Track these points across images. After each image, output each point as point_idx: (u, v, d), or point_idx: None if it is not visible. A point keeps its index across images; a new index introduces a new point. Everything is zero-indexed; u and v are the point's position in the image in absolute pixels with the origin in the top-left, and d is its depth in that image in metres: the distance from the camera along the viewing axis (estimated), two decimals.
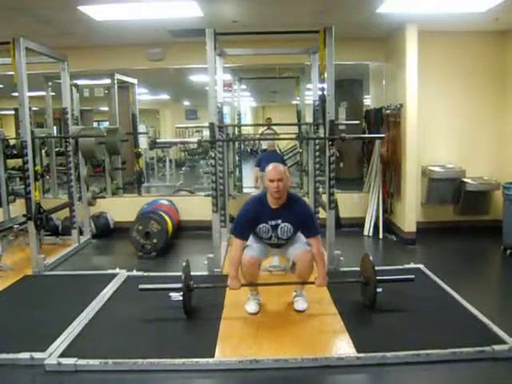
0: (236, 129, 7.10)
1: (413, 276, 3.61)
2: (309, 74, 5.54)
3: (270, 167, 3.32)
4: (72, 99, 6.05)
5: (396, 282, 3.58)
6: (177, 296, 3.35)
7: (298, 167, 7.46)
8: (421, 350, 2.78)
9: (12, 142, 6.95)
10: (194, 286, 3.45)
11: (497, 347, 2.79)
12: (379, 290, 3.33)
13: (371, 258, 3.48)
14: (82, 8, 4.44)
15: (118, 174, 7.05)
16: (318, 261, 3.38)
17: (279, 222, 3.33)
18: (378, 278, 3.33)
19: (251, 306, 3.48)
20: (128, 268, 4.52)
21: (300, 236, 3.48)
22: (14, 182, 7.64)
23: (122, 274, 4.37)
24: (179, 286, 3.31)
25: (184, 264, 3.44)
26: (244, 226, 3.37)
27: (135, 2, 4.35)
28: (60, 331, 3.13)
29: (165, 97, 11.79)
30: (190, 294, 3.42)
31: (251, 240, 3.47)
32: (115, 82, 6.86)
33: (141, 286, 3.50)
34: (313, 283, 3.42)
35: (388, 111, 5.84)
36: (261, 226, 3.35)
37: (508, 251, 4.99)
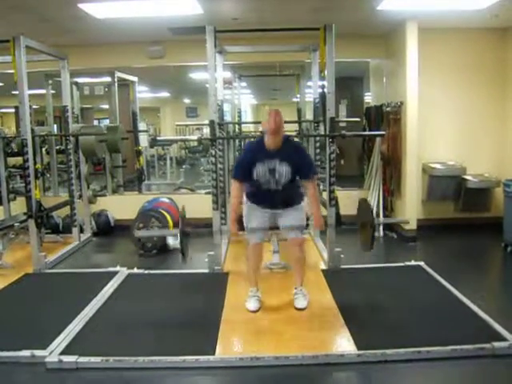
0: (236, 126, 7.09)
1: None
2: (309, 72, 5.54)
3: (270, 111, 3.36)
4: (72, 97, 6.05)
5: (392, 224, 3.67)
6: (174, 243, 3.38)
7: None
8: (421, 347, 2.78)
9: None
10: (191, 231, 3.54)
11: (497, 344, 2.79)
12: (393, 235, 3.31)
13: (368, 199, 3.54)
14: (82, 6, 4.43)
15: (119, 171, 7.05)
16: (313, 203, 3.47)
17: (276, 162, 3.28)
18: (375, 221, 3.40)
19: (251, 304, 3.48)
20: (129, 266, 4.51)
21: (296, 214, 3.49)
22: (15, 180, 7.64)
23: (123, 272, 4.36)
24: (176, 231, 3.36)
25: (180, 208, 3.47)
26: (244, 168, 3.37)
27: None
28: (61, 329, 3.14)
29: (165, 94, 11.80)
30: (187, 239, 3.43)
31: (253, 218, 3.48)
32: (115, 79, 6.86)
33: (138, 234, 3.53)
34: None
35: (388, 108, 5.83)
36: (258, 165, 3.28)
37: (509, 248, 4.99)
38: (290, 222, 3.48)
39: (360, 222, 3.52)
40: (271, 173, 3.30)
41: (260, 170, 3.30)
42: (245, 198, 3.54)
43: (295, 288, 3.58)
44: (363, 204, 3.54)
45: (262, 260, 3.67)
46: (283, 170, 3.29)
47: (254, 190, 3.46)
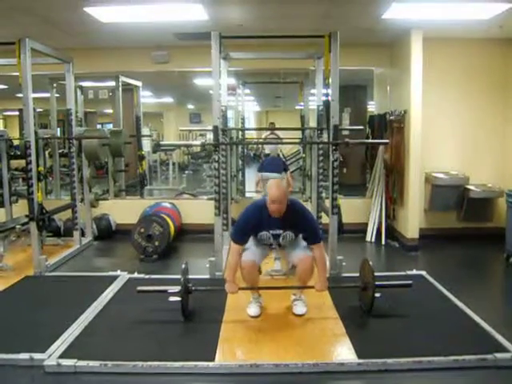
0: (239, 133, 7.10)
1: (410, 281, 3.59)
2: (313, 79, 5.55)
3: (273, 187, 3.16)
4: (76, 101, 6.07)
5: (396, 288, 3.56)
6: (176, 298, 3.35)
7: (301, 172, 7.46)
8: (423, 357, 2.76)
9: (16, 142, 6.97)
10: (193, 288, 3.45)
11: (499, 355, 2.77)
12: (378, 295, 3.31)
13: (370, 263, 3.46)
14: (88, 9, 4.45)
15: (121, 176, 7.05)
16: (320, 266, 3.38)
17: (280, 231, 3.33)
18: (376, 283, 3.31)
19: (252, 309, 3.47)
20: (129, 270, 4.51)
21: (302, 240, 3.48)
22: (17, 183, 7.65)
23: (123, 276, 4.36)
24: (178, 288, 3.31)
25: (183, 266, 3.44)
26: (243, 233, 3.37)
27: (141, 4, 4.36)
28: (60, 332, 3.13)
29: (169, 100, 11.84)
30: (188, 296, 3.41)
31: (251, 242, 3.46)
32: (120, 84, 6.87)
33: (139, 288, 3.50)
34: (313, 287, 3.41)
35: (392, 117, 5.82)
36: (262, 233, 3.35)
37: (511, 259, 4.97)
38: (296, 250, 3.45)
39: (362, 282, 3.51)
40: (275, 237, 3.37)
41: (263, 235, 3.35)
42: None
43: (293, 294, 3.56)
44: (366, 264, 3.51)
45: (258, 276, 3.54)
46: (287, 235, 3.35)
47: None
